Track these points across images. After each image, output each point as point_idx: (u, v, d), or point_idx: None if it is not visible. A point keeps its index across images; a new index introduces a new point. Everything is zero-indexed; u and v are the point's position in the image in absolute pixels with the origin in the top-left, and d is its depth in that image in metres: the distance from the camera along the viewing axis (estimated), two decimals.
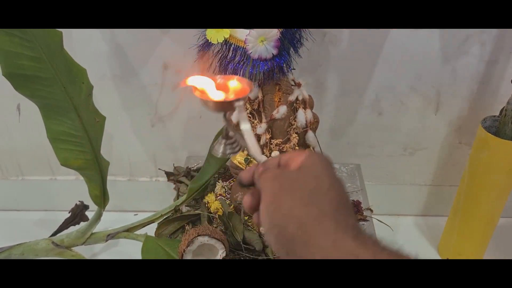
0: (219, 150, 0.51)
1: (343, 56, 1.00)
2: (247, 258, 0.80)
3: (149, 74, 1.04)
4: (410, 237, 1.22)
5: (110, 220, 0.99)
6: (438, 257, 1.17)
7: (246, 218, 0.85)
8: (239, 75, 0.77)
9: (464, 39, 0.96)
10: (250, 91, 0.49)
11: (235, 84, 0.49)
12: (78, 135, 0.81)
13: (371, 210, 0.97)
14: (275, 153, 0.80)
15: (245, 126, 0.48)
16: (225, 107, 0.48)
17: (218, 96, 0.47)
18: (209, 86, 0.48)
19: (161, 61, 1.01)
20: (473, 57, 0.98)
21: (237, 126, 0.50)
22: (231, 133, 0.50)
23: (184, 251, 0.74)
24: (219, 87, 0.48)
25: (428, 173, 1.19)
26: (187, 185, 0.97)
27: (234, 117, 0.82)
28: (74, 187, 1.21)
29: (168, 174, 1.05)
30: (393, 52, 0.99)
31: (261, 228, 0.43)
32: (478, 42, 0.96)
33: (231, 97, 0.47)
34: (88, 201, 1.01)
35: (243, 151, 0.53)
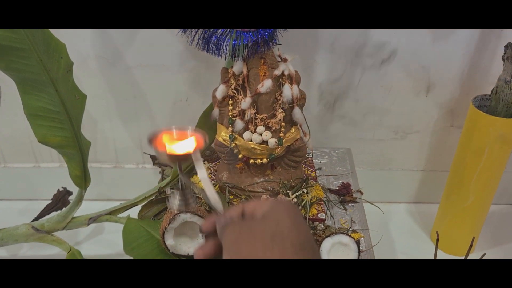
0: (175, 203, 0.52)
1: (331, 35, 0.98)
2: None
3: (134, 55, 1.01)
4: (402, 225, 1.20)
5: (96, 209, 0.96)
6: (431, 245, 1.15)
7: (231, 197, 0.83)
8: (223, 47, 0.75)
9: None
10: (205, 142, 0.50)
11: (190, 135, 0.50)
12: (56, 111, 0.78)
13: (361, 193, 0.95)
14: (260, 129, 0.77)
15: (202, 175, 0.49)
16: (181, 159, 0.49)
17: (174, 148, 0.49)
18: (166, 139, 0.49)
19: (146, 41, 0.99)
20: (463, 36, 0.96)
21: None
22: (186, 185, 0.51)
23: (165, 228, 0.71)
24: (174, 139, 0.50)
25: (420, 158, 1.16)
26: (172, 168, 0.95)
27: (218, 93, 0.80)
28: (58, 175, 1.18)
29: (153, 158, 1.03)
30: (382, 33, 0.97)
31: None
32: None
33: (186, 149, 0.49)
34: (72, 188, 0.98)
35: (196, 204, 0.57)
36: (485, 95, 0.94)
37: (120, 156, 1.17)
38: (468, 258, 0.69)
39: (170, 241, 0.72)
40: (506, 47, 0.84)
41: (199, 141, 0.50)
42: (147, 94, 1.07)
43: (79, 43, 0.98)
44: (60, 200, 0.99)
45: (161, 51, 1.01)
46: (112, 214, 0.91)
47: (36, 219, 0.97)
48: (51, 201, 0.99)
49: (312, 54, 1.00)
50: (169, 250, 0.72)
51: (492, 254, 1.10)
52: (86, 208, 0.95)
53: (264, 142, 0.78)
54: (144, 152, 1.12)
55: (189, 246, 0.73)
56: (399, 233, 1.17)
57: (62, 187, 1.00)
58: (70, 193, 1.00)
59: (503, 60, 0.86)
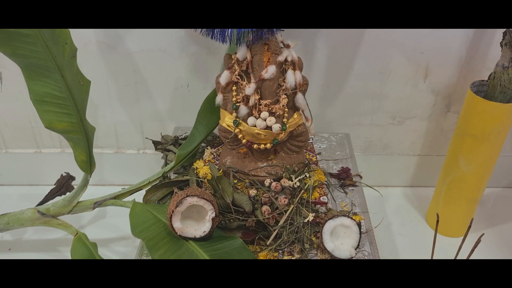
0: None
1: None
2: (237, 219, 0.79)
3: (135, 41, 1.02)
4: (399, 208, 1.23)
5: (98, 193, 0.98)
6: (427, 227, 1.18)
7: (236, 181, 0.85)
8: (228, 34, 0.76)
9: None
10: None
11: None
12: (62, 97, 0.79)
13: (361, 176, 0.97)
14: (264, 114, 0.79)
15: None
16: None
17: None
18: None
19: None
20: None
21: None
22: None
23: (172, 211, 0.73)
24: None
25: (417, 142, 1.19)
26: (175, 153, 0.96)
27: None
28: (59, 160, 1.19)
29: (156, 143, 1.04)
30: None
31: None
32: None
33: None
34: (74, 173, 0.99)
35: None
36: (483, 80, 0.96)
37: (121, 142, 1.18)
38: (466, 239, 0.72)
39: (177, 224, 0.73)
40: (505, 33, 0.86)
41: None
42: (148, 80, 1.08)
43: (82, 30, 0.98)
44: (64, 185, 1.00)
45: (162, 36, 1.01)
46: (117, 198, 0.92)
47: (41, 203, 0.98)
48: (54, 186, 1.00)
49: (313, 40, 1.01)
50: (176, 233, 0.74)
51: (487, 235, 1.13)
52: (88, 193, 0.96)
53: (268, 128, 0.80)
54: (146, 138, 1.13)
55: (196, 229, 0.75)
56: (396, 215, 1.20)
57: (65, 172, 1.01)
58: (73, 178, 1.01)
59: (501, 46, 0.88)
